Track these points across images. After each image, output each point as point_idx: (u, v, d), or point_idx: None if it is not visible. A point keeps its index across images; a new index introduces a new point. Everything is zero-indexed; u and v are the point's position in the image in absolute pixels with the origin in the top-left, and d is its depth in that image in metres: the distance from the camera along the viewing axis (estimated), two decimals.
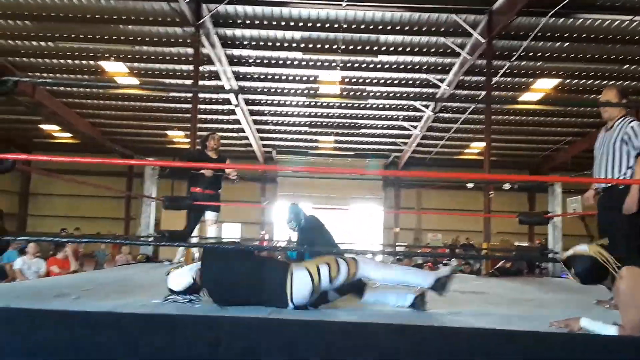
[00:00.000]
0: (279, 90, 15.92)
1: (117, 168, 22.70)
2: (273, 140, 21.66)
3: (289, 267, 3.14)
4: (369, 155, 22.56)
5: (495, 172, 15.33)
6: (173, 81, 15.24)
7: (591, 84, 14.47)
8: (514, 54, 12.59)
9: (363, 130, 19.70)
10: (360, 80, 15.33)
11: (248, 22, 12.50)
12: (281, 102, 17.40)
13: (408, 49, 13.37)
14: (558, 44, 12.58)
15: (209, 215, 6.84)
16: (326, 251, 4.76)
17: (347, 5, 11.57)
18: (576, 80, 14.36)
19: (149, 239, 9.24)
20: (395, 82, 15.21)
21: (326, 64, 14.31)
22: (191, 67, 13.12)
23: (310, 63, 14.33)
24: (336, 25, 12.47)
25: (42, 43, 13.38)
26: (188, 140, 15.00)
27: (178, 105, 17.47)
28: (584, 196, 3.63)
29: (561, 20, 11.50)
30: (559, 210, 11.35)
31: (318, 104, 17.25)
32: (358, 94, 16.18)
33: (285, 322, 2.77)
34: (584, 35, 12.18)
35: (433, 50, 13.30)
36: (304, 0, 11.71)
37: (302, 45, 13.41)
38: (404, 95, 16.02)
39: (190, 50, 12.99)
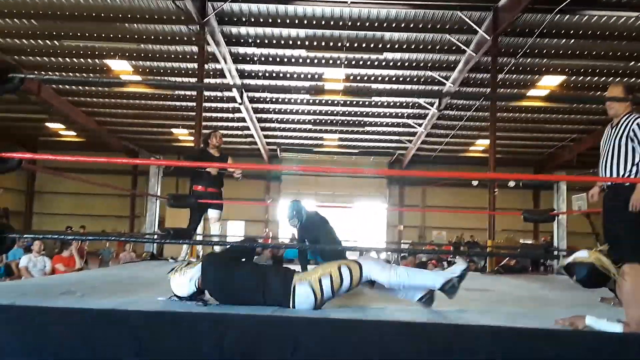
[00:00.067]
0: (285, 85, 15.91)
1: (122, 166, 22.80)
2: (278, 138, 21.67)
3: (292, 281, 3.07)
4: (373, 153, 22.54)
5: (500, 169, 15.28)
6: (178, 79, 15.26)
7: (597, 81, 14.40)
8: (519, 51, 12.55)
9: (368, 128, 19.68)
10: (365, 78, 15.31)
11: (253, 19, 12.50)
12: (286, 100, 17.41)
13: (413, 47, 13.35)
14: (563, 41, 12.53)
15: (212, 213, 6.83)
16: (329, 250, 4.76)
17: (352, 2, 11.56)
18: (581, 78, 14.29)
19: (154, 236, 9.26)
20: (400, 79, 15.19)
21: (331, 61, 14.30)
22: (196, 65, 13.14)
23: (315, 61, 14.32)
24: (341, 23, 12.45)
25: (48, 42, 13.43)
26: (192, 138, 15.01)
27: (183, 104, 17.52)
28: (589, 193, 3.62)
29: (566, 17, 11.44)
30: (564, 208, 11.29)
31: (322, 101, 17.24)
32: (362, 91, 16.16)
33: (290, 319, 2.78)
34: (590, 32, 12.13)
35: (438, 47, 13.27)
36: None
37: (307, 42, 13.40)
38: (409, 92, 15.98)
39: (195, 48, 13.00)
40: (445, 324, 2.86)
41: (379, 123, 19.10)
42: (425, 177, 22.75)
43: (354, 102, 17.27)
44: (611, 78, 13.95)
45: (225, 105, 17.43)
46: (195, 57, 13.07)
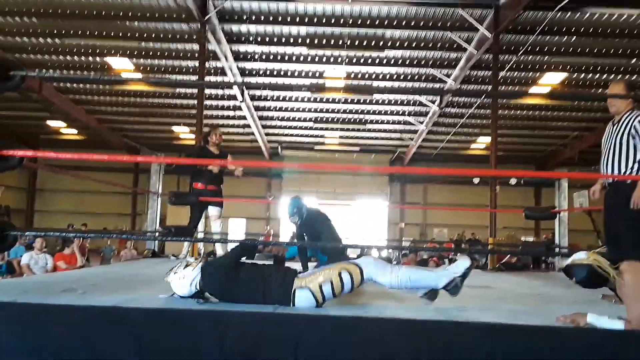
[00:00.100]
0: (286, 83, 15.88)
1: (124, 164, 22.86)
2: (279, 136, 21.66)
3: (292, 285, 3.07)
4: (375, 150, 22.52)
5: (501, 167, 15.26)
6: (179, 77, 15.26)
7: (598, 79, 14.36)
8: (521, 48, 12.51)
9: (369, 126, 19.66)
10: (366, 76, 15.29)
11: (253, 17, 12.48)
12: (287, 98, 17.39)
13: (414, 44, 13.32)
14: (565, 38, 12.49)
15: (212, 211, 6.82)
16: (330, 248, 4.76)
17: (353, 0, 11.55)
18: (583, 75, 14.25)
19: (155, 234, 9.27)
20: (401, 77, 15.16)
21: (332, 59, 14.28)
22: (197, 63, 13.12)
23: (316, 58, 14.30)
24: (342, 21, 12.43)
25: (49, 40, 13.41)
26: (193, 136, 15.01)
27: (184, 101, 17.52)
28: (591, 190, 3.61)
29: (568, 14, 11.40)
30: (565, 205, 11.27)
31: (323, 99, 17.23)
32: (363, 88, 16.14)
33: (291, 317, 2.78)
34: (591, 29, 12.09)
35: (439, 45, 13.25)
36: None
37: (308, 40, 13.37)
38: (410, 90, 15.95)
39: (195, 46, 13.00)
40: (446, 321, 2.85)
41: (380, 121, 19.08)
42: (427, 175, 22.67)
43: (355, 100, 17.25)
44: (612, 75, 13.91)
45: (226, 103, 17.43)
46: (196, 54, 13.06)
